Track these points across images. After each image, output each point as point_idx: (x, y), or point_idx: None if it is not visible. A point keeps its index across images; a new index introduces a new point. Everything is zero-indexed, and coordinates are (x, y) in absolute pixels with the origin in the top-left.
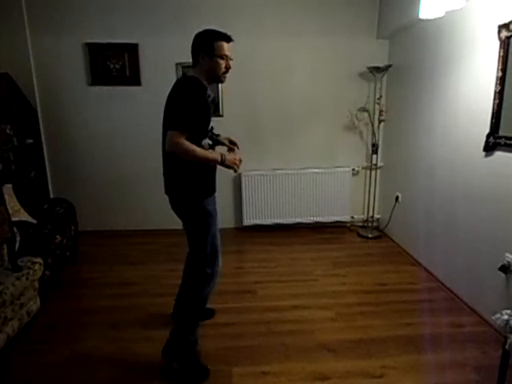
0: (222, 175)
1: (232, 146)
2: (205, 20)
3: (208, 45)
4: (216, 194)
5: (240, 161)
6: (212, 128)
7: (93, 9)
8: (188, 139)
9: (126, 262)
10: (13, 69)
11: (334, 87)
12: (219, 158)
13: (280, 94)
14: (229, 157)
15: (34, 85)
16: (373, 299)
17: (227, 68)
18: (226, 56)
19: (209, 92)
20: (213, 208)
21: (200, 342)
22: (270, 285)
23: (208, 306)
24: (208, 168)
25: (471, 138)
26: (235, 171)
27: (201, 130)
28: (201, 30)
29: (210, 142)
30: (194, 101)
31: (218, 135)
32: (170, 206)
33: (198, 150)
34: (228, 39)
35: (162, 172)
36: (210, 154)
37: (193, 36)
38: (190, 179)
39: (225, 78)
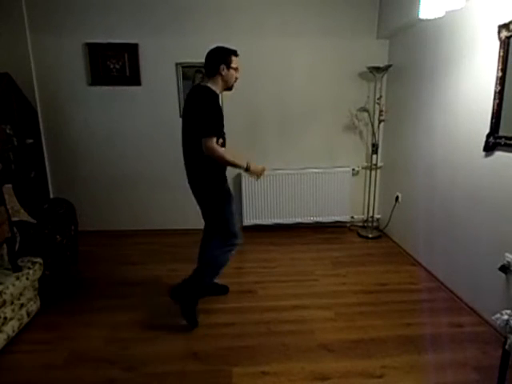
0: None
1: None
2: (205, 20)
3: (227, 58)
4: None
5: (263, 170)
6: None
7: (93, 9)
8: None
9: (126, 262)
10: (13, 69)
11: (334, 87)
12: (245, 166)
13: (280, 94)
14: (253, 167)
15: (34, 85)
16: (373, 299)
17: (237, 78)
18: (237, 68)
19: None
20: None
21: (200, 342)
22: (270, 285)
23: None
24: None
25: (471, 138)
26: (257, 179)
27: (220, 132)
28: (214, 46)
29: (221, 140)
30: (215, 109)
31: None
32: (170, 206)
33: (228, 155)
34: (237, 54)
35: (161, 172)
36: (238, 161)
37: (193, 36)
38: (215, 171)
39: (233, 87)
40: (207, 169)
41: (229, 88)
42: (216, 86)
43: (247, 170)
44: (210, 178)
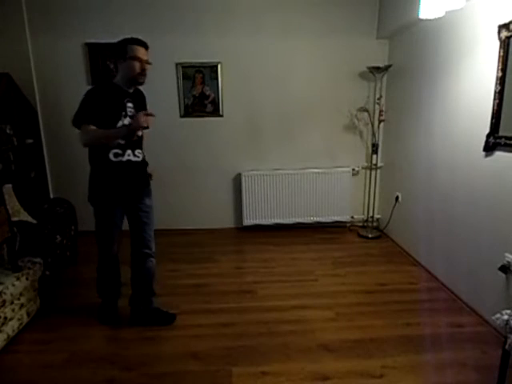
0: (222, 175)
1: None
2: (205, 20)
3: (122, 50)
4: None
5: (145, 117)
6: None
7: (93, 9)
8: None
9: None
10: (13, 69)
11: (334, 87)
12: (119, 133)
13: (280, 94)
14: (132, 122)
15: (34, 85)
16: (373, 299)
17: (144, 70)
18: (137, 58)
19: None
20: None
21: (200, 342)
22: (270, 285)
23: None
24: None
25: (471, 138)
26: (146, 127)
27: (104, 128)
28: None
29: (121, 142)
30: (88, 100)
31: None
32: (169, 206)
33: (94, 133)
34: (138, 43)
35: (160, 171)
36: (109, 132)
37: (193, 36)
38: (95, 173)
39: (141, 79)
40: (91, 165)
41: (135, 82)
42: (120, 82)
43: (129, 129)
44: (92, 179)
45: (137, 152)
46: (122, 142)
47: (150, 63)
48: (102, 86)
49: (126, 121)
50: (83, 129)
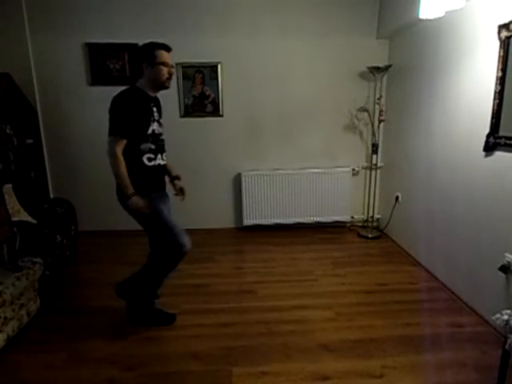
0: (222, 175)
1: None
2: (205, 20)
3: (149, 55)
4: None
5: (146, 207)
6: (158, 135)
7: (93, 9)
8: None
9: (126, 261)
10: (13, 69)
11: (334, 87)
12: (128, 192)
13: (280, 94)
14: (136, 199)
15: (34, 85)
16: (373, 299)
17: (171, 75)
18: (166, 63)
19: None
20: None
21: (200, 342)
22: (270, 285)
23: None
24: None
25: (471, 138)
26: (141, 211)
27: (137, 135)
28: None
29: (153, 146)
30: (123, 108)
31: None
32: (170, 206)
33: (123, 168)
34: (165, 48)
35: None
36: (126, 181)
37: (193, 36)
38: (131, 176)
39: (168, 84)
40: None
41: (163, 87)
42: (144, 87)
43: (129, 198)
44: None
45: (164, 155)
46: (153, 146)
47: (173, 67)
48: (130, 92)
49: (155, 125)
50: (114, 141)
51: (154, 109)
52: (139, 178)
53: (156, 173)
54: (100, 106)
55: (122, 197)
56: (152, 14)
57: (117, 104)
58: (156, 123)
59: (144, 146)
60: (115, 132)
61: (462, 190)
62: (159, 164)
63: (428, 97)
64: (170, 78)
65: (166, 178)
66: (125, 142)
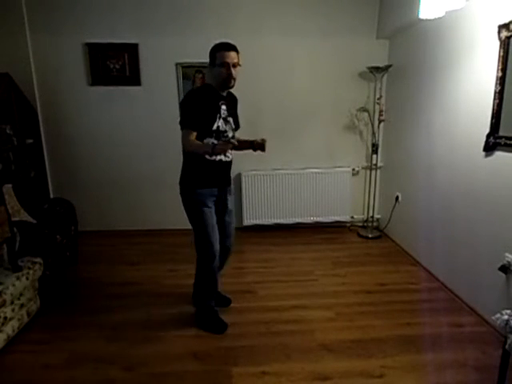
0: None
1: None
2: (205, 20)
3: (211, 56)
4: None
5: (230, 145)
6: (222, 131)
7: (93, 9)
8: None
9: (126, 261)
10: (13, 69)
11: (334, 87)
12: (210, 149)
13: (280, 94)
14: (219, 146)
15: (34, 85)
16: (373, 299)
17: (229, 75)
18: (225, 63)
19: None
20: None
21: (200, 342)
22: (270, 285)
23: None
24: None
25: (471, 138)
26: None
27: (202, 129)
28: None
29: (215, 142)
30: (191, 103)
31: (232, 137)
32: (170, 206)
33: (197, 148)
34: (226, 48)
35: (161, 171)
36: (206, 147)
37: (193, 36)
38: (191, 171)
39: (231, 83)
40: (185, 167)
41: (226, 86)
42: (215, 85)
43: (214, 148)
44: (185, 177)
45: (227, 152)
46: (216, 142)
47: (239, 65)
48: (201, 89)
49: (220, 122)
50: (186, 133)
51: (223, 106)
52: (196, 170)
53: (215, 168)
54: (100, 105)
55: (185, 191)
56: (152, 14)
57: (186, 99)
58: (222, 120)
59: (207, 141)
60: (186, 125)
61: (461, 190)
62: (220, 160)
63: (428, 97)
64: (230, 78)
65: (249, 151)
66: (195, 133)
